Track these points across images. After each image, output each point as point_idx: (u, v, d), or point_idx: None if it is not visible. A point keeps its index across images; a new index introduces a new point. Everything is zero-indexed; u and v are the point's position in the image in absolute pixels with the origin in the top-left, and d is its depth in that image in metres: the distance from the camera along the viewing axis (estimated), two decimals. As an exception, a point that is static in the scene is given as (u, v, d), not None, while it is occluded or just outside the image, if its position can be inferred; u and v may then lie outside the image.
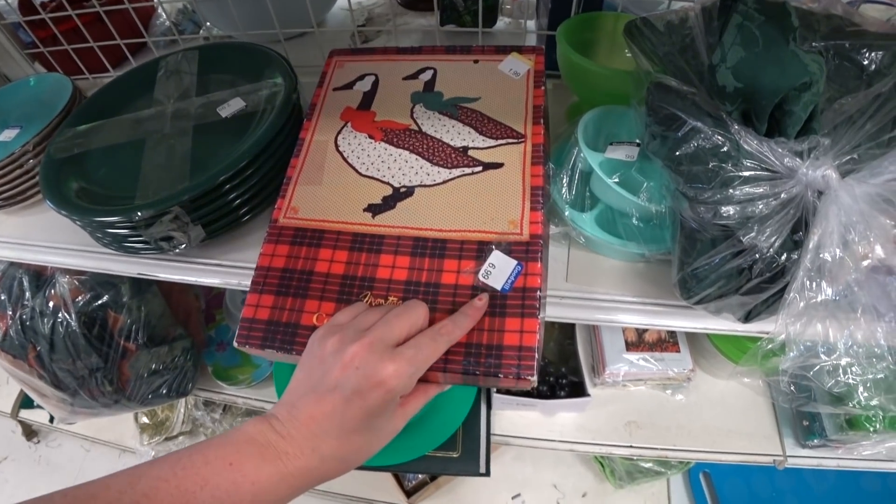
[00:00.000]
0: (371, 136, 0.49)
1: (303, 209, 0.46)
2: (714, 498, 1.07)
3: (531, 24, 0.73)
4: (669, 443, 0.73)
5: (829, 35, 0.36)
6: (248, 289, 0.42)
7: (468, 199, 0.44)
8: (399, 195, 0.45)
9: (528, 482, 1.11)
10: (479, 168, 0.45)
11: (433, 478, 1.06)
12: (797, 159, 0.33)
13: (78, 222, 0.50)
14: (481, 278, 0.39)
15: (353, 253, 0.42)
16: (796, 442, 0.72)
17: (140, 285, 0.76)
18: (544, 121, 0.48)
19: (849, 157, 0.33)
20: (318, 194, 0.46)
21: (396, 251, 0.42)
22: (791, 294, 0.33)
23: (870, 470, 0.71)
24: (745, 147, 0.33)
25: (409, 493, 1.04)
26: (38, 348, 0.72)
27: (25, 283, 0.72)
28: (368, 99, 0.52)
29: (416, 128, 0.49)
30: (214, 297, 0.98)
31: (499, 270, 0.39)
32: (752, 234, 0.33)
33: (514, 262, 0.40)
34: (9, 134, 0.60)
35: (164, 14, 0.79)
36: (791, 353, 0.36)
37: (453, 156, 0.47)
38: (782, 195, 0.33)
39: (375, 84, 0.53)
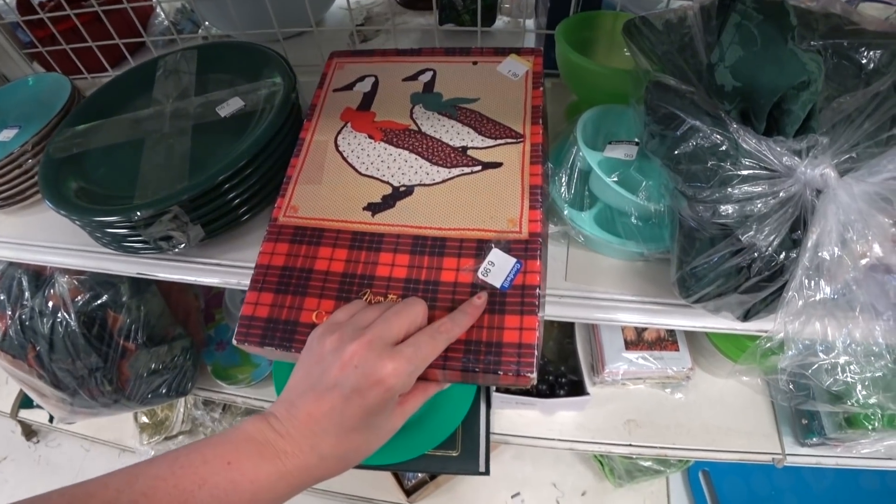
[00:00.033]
0: (371, 136, 0.49)
1: (303, 208, 0.46)
2: (713, 496, 1.07)
3: (530, 23, 0.73)
4: (669, 441, 0.73)
5: (827, 34, 0.36)
6: (247, 288, 0.42)
7: (467, 198, 0.44)
8: (398, 194, 0.45)
9: (527, 481, 1.12)
10: (479, 167, 0.46)
11: (433, 477, 1.06)
12: (796, 158, 0.33)
13: (77, 222, 0.50)
14: (480, 276, 0.39)
15: (352, 251, 0.43)
16: (795, 440, 0.72)
17: (139, 285, 0.76)
18: (543, 121, 0.48)
19: (847, 156, 0.34)
20: (318, 193, 0.46)
21: (396, 249, 0.42)
22: (790, 293, 0.33)
23: (868, 468, 0.71)
24: (744, 146, 0.33)
25: (408, 492, 1.05)
26: (38, 348, 0.72)
27: (25, 283, 0.72)
28: (368, 100, 0.53)
29: (415, 128, 0.49)
30: (214, 297, 0.98)
31: (498, 268, 0.39)
32: (751, 233, 0.33)
33: (514, 259, 0.40)
34: (7, 134, 0.60)
35: (162, 13, 0.79)
36: (790, 352, 0.36)
37: (452, 155, 0.47)
38: (781, 194, 0.33)
39: (375, 85, 0.54)
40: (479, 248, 0.41)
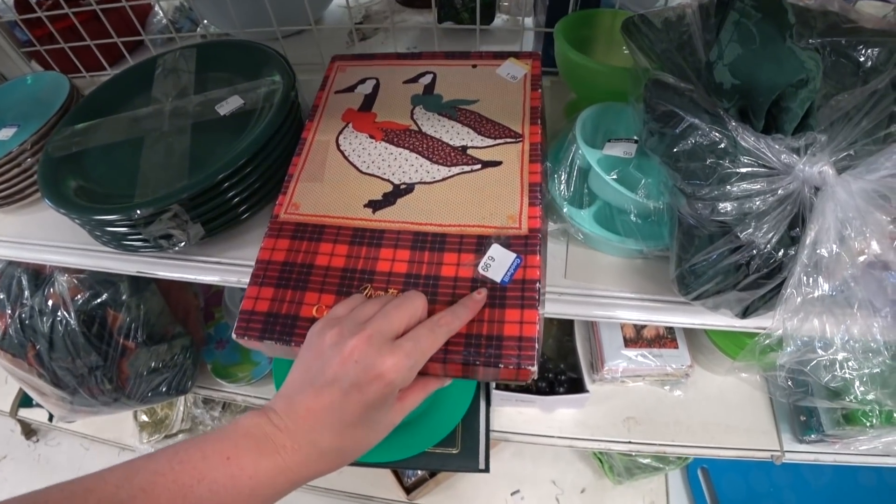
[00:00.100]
0: (372, 136, 0.50)
1: (304, 205, 0.46)
2: (712, 493, 1.08)
3: (529, 20, 0.73)
4: (668, 438, 0.73)
5: (825, 32, 0.36)
6: (246, 286, 0.43)
7: (467, 196, 0.44)
8: (399, 192, 0.45)
9: (527, 478, 1.12)
10: (478, 166, 0.46)
11: (433, 474, 1.06)
12: (794, 156, 0.33)
13: (77, 221, 0.50)
14: (481, 271, 0.40)
15: (353, 247, 0.43)
16: (793, 437, 0.72)
17: (139, 283, 0.76)
18: (541, 121, 0.48)
19: (845, 154, 0.34)
20: (320, 191, 0.47)
21: (396, 245, 0.42)
22: (788, 290, 0.34)
23: (866, 465, 0.71)
24: (743, 143, 0.33)
25: (408, 490, 1.05)
26: (38, 347, 0.72)
27: (24, 282, 0.72)
28: (369, 101, 0.53)
29: (416, 128, 0.50)
30: (213, 295, 0.98)
31: (498, 263, 0.40)
32: (750, 231, 0.33)
33: (514, 254, 0.40)
34: (6, 133, 0.60)
35: (160, 12, 0.79)
36: (788, 348, 0.36)
37: (452, 154, 0.47)
38: (779, 191, 0.33)
39: (376, 87, 0.55)
40: (480, 244, 0.41)
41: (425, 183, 0.46)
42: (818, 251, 0.32)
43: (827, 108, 0.34)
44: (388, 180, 0.46)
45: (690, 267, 0.37)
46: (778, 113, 0.34)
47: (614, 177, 0.43)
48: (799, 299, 0.34)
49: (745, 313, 0.39)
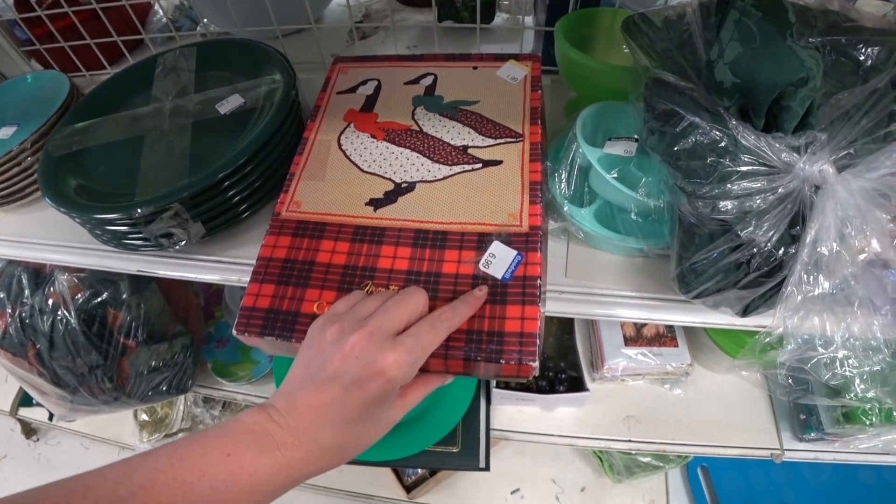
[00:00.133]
0: (373, 136, 0.50)
1: (305, 203, 0.46)
2: (712, 492, 1.08)
3: (529, 19, 0.73)
4: (668, 437, 0.74)
5: (825, 31, 0.36)
6: (247, 285, 0.43)
7: (468, 194, 0.44)
8: (400, 190, 0.46)
9: (527, 477, 1.12)
10: (479, 165, 0.46)
11: (433, 473, 1.06)
12: (794, 154, 0.33)
13: (77, 219, 0.50)
14: (482, 268, 0.40)
15: (354, 244, 0.43)
16: (793, 436, 0.73)
17: (139, 282, 0.76)
18: (541, 122, 0.49)
19: (845, 152, 0.34)
20: (321, 189, 0.47)
21: (398, 242, 0.42)
22: (788, 288, 0.34)
23: (866, 463, 0.71)
24: (743, 142, 0.33)
25: (408, 488, 1.05)
26: (38, 346, 0.72)
27: (24, 281, 0.72)
28: (371, 102, 0.54)
29: (417, 128, 0.50)
30: (213, 294, 0.98)
31: (499, 260, 0.40)
32: (750, 229, 0.33)
33: (514, 252, 0.40)
34: (6, 131, 0.60)
35: (160, 11, 0.79)
36: (789, 346, 0.36)
37: (453, 154, 0.47)
38: (779, 190, 0.33)
39: (378, 88, 0.55)
40: (481, 241, 0.41)
41: (426, 181, 0.46)
42: (818, 249, 0.33)
43: (827, 106, 0.34)
44: (390, 179, 0.47)
45: (691, 265, 0.37)
46: (778, 111, 0.35)
47: (615, 175, 0.43)
48: (799, 297, 0.34)
49: (745, 311, 0.39)
